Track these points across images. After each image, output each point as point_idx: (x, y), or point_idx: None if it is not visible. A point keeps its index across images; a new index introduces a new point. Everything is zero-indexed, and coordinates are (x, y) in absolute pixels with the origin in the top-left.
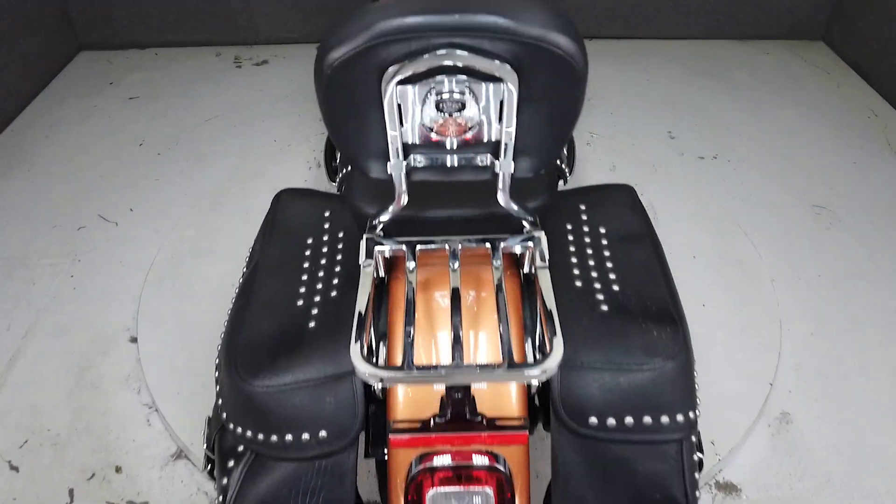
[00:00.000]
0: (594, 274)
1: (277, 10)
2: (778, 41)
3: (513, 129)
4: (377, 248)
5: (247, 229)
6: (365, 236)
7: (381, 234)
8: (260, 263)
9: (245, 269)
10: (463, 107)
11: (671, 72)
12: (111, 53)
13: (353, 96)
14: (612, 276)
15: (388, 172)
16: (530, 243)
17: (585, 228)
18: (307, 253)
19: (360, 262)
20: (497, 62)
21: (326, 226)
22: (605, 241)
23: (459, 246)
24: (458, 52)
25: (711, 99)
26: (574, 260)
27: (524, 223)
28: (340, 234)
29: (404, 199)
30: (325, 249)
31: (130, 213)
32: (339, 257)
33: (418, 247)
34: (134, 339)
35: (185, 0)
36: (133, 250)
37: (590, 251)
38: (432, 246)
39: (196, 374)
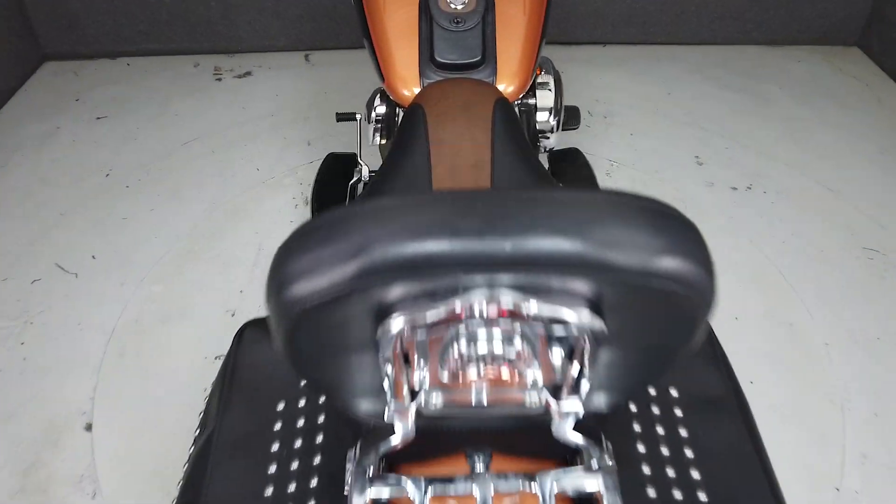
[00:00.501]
0: (670, 473)
1: (260, 16)
2: (809, 47)
3: (587, 375)
4: (370, 490)
5: (223, 286)
6: (351, 469)
7: (379, 465)
8: (215, 438)
9: (196, 434)
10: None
11: (694, 84)
12: (78, 64)
13: (333, 340)
14: (695, 475)
15: (387, 419)
16: (596, 481)
17: (651, 392)
18: (277, 428)
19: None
20: (569, 311)
21: (303, 383)
22: (678, 413)
23: (492, 488)
24: (507, 295)
25: (740, 117)
26: (641, 448)
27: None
28: (321, 401)
29: (410, 436)
30: (300, 424)
31: (92, 261)
32: (318, 440)
33: (430, 490)
34: (90, 427)
35: (158, 5)
36: (93, 309)
37: (661, 431)
38: (452, 489)
39: (158, 478)
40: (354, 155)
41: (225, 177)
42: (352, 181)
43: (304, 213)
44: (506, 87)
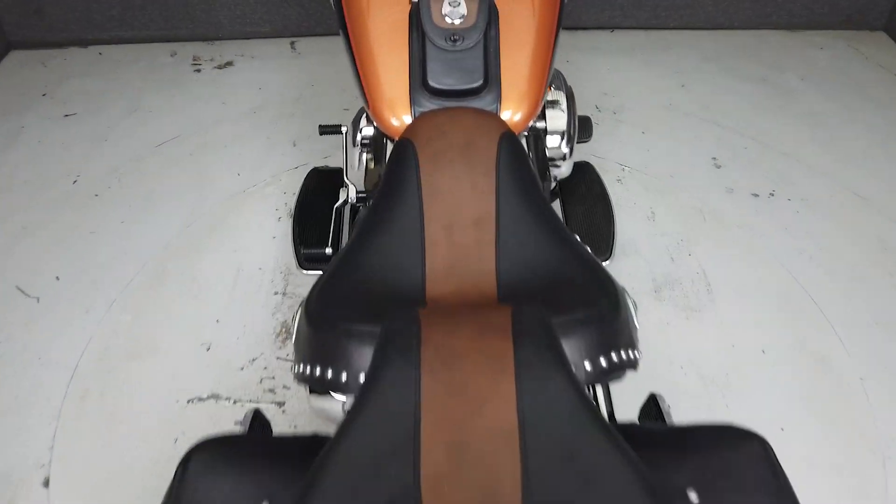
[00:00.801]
0: None
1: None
2: (832, 32)
3: None
4: None
5: (198, 314)
6: None
7: None
8: None
9: None
10: None
11: (709, 75)
12: (46, 53)
13: None
14: None
15: None
16: None
17: None
18: None
19: None
20: None
21: None
22: None
23: None
24: None
25: (760, 112)
26: None
27: None
28: None
29: None
30: None
31: (56, 283)
32: None
33: None
34: (47, 482)
35: None
36: (56, 341)
37: None
38: None
39: None
40: (340, 170)
41: (203, 184)
42: (337, 204)
43: (286, 228)
44: (512, 114)
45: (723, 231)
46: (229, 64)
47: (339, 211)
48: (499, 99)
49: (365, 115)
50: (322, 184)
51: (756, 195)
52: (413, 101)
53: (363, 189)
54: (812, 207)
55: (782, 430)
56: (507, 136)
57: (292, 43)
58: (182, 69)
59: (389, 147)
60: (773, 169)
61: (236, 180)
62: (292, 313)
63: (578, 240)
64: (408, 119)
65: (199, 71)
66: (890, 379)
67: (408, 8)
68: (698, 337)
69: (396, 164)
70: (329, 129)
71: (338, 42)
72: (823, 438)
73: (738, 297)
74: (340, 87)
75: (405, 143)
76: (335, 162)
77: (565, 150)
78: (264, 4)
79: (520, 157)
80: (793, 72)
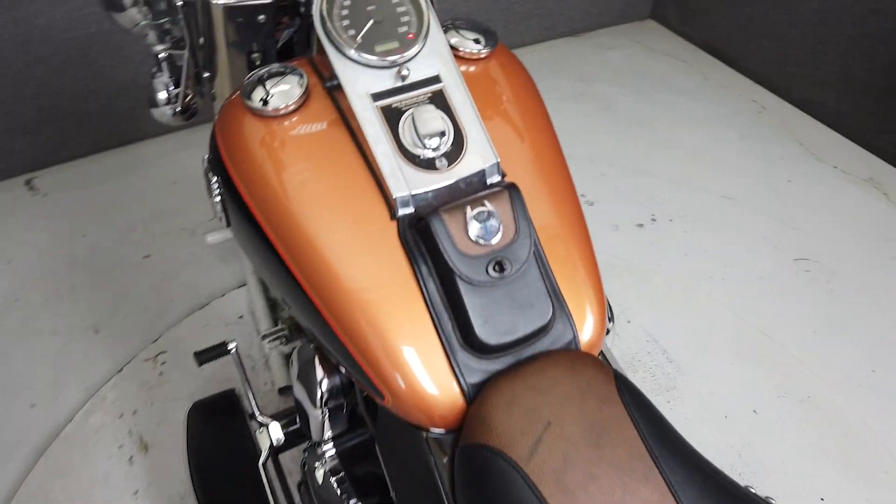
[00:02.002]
0: None
1: None
2: (611, 28)
3: None
4: None
5: None
6: None
7: None
8: None
9: None
10: None
11: None
12: None
13: None
14: None
15: None
16: None
17: None
18: None
19: None
20: None
21: None
22: None
23: None
24: None
25: (594, 131)
26: None
27: None
28: None
29: None
30: None
31: None
32: None
33: None
34: None
35: None
36: None
37: None
38: None
39: None
40: (235, 397)
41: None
42: (262, 459)
43: (149, 474)
44: (591, 339)
45: (639, 279)
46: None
47: (267, 469)
48: (571, 324)
49: (316, 353)
50: (218, 420)
51: (640, 225)
52: (459, 373)
53: (288, 423)
54: (692, 222)
55: (822, 501)
56: (624, 383)
57: (29, 181)
58: None
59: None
60: (638, 191)
61: (34, 417)
62: None
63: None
64: (458, 401)
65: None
66: (853, 387)
67: (391, 229)
68: (694, 424)
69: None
70: (210, 356)
71: (96, 162)
72: (847, 484)
73: (697, 356)
74: (128, 226)
75: (484, 457)
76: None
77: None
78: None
79: (648, 406)
80: (600, 80)
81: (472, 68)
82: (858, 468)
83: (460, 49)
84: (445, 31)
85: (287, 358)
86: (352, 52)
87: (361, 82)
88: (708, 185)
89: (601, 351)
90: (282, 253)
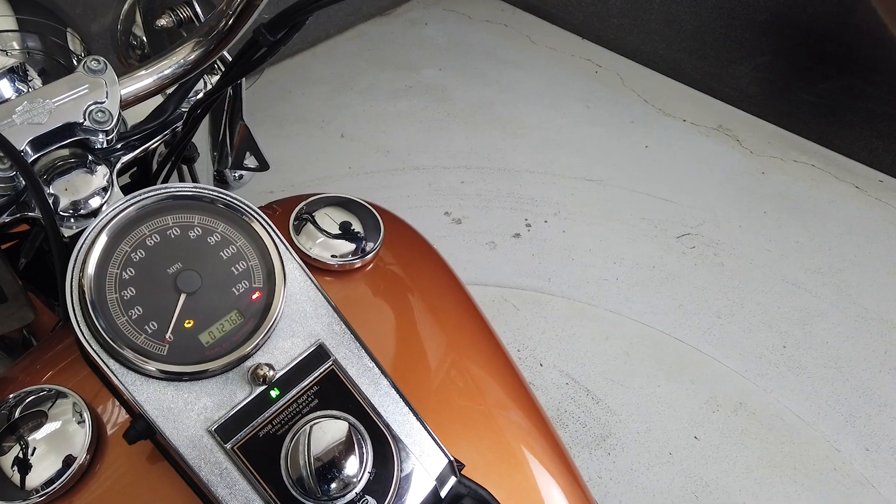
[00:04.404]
0: None
1: None
2: (414, 2)
3: None
4: None
5: None
6: None
7: None
8: None
9: None
10: None
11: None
12: None
13: None
14: None
15: None
16: None
17: None
18: None
19: None
20: None
21: None
22: None
23: None
24: None
25: (432, 137)
26: None
27: None
28: None
29: None
30: None
31: None
32: None
33: None
34: None
35: None
36: None
37: None
38: None
39: None
40: None
41: None
42: None
43: None
44: None
45: (536, 307)
46: None
47: None
48: None
49: None
50: None
51: (517, 235)
52: None
53: None
54: (568, 220)
55: None
56: None
57: None
58: None
59: None
60: (504, 194)
61: None
62: None
63: None
64: None
65: None
66: (778, 372)
67: None
68: (642, 473)
69: None
70: None
71: None
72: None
73: (623, 387)
74: None
75: None
76: None
77: None
78: None
79: None
80: (426, 65)
81: (356, 287)
82: (808, 473)
83: (326, 261)
84: (297, 233)
85: None
86: (158, 365)
87: (189, 412)
88: (570, 170)
89: None
90: None
